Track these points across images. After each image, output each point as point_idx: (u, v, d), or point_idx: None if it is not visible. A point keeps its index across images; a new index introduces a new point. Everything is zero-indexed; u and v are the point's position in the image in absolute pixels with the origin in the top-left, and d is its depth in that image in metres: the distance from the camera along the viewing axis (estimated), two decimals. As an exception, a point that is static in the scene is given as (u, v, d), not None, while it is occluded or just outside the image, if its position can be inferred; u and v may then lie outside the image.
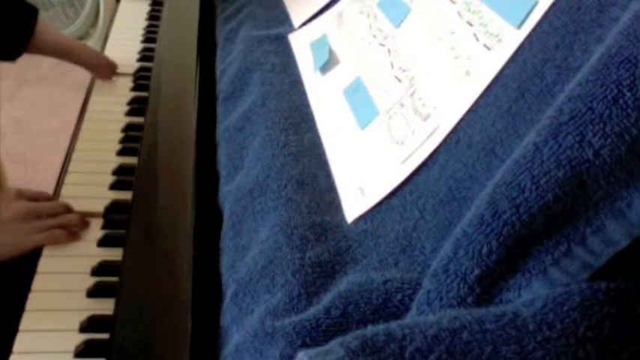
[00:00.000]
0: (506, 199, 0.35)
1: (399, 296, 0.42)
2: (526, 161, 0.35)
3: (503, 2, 0.51)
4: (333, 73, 0.68)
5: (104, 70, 0.91)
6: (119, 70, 0.93)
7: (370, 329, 0.33)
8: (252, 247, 0.53)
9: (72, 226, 0.67)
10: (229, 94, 0.74)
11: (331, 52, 0.71)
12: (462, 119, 0.48)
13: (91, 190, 0.72)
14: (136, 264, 0.59)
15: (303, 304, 0.45)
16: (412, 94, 0.55)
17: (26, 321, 0.57)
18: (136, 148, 0.76)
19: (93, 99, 0.88)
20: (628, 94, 0.32)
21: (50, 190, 0.74)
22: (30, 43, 0.80)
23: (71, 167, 0.76)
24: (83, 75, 0.92)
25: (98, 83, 0.92)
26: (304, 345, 0.41)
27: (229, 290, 0.51)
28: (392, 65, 0.60)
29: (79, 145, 0.80)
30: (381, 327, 0.33)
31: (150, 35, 1.04)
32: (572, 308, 0.32)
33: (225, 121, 0.71)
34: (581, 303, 0.32)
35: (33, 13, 0.82)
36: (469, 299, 0.36)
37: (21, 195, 0.69)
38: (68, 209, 0.69)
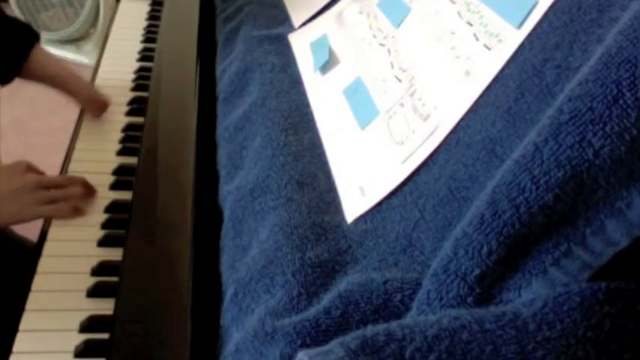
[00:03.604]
0: (506, 199, 0.35)
1: (399, 296, 0.42)
2: (526, 161, 0.35)
3: (503, 2, 0.51)
4: (333, 73, 0.68)
5: (95, 105, 0.84)
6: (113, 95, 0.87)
7: (370, 329, 0.33)
8: (252, 247, 0.53)
9: (79, 197, 0.69)
10: (229, 94, 0.74)
11: (331, 52, 0.71)
12: (462, 119, 0.48)
13: (91, 190, 0.72)
14: (136, 264, 0.59)
15: (303, 304, 0.45)
16: (412, 94, 0.55)
17: (26, 321, 0.57)
18: (136, 148, 0.76)
19: (93, 99, 0.88)
20: (628, 94, 0.32)
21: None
22: (23, 68, 0.79)
23: (71, 167, 0.76)
24: (83, 75, 0.92)
25: (98, 80, 0.92)
26: (304, 345, 0.41)
27: (229, 290, 0.51)
28: (392, 65, 0.60)
29: (79, 145, 0.80)
30: (381, 327, 0.33)
31: (150, 35, 1.04)
32: (572, 308, 0.32)
33: (225, 121, 0.71)
34: (581, 303, 0.32)
35: (31, 38, 0.80)
36: (469, 299, 0.36)
37: (31, 168, 0.71)
38: (76, 182, 0.70)
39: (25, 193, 0.67)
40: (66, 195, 0.68)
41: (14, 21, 0.81)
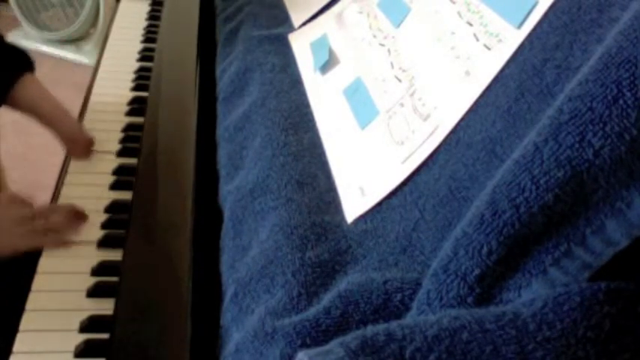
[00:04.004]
0: (506, 199, 0.35)
1: (399, 296, 0.42)
2: (526, 161, 0.35)
3: (503, 2, 0.51)
4: (333, 73, 0.68)
5: (80, 147, 0.77)
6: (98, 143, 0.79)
7: (370, 329, 0.33)
8: (252, 247, 0.53)
9: (66, 226, 0.65)
10: (229, 94, 0.74)
11: (331, 52, 0.71)
12: (462, 119, 0.48)
13: (91, 190, 0.72)
14: (136, 264, 0.59)
15: (303, 304, 0.45)
16: (412, 94, 0.55)
17: (26, 321, 0.57)
18: (136, 148, 0.76)
19: (93, 99, 0.88)
20: (628, 94, 0.32)
21: (50, 190, 0.74)
22: (8, 97, 0.75)
23: (71, 167, 0.76)
24: (83, 75, 0.92)
25: (98, 80, 0.92)
26: (304, 345, 0.41)
27: (229, 290, 0.51)
28: (392, 65, 0.60)
29: (79, 144, 0.79)
30: (381, 327, 0.33)
31: (150, 35, 1.04)
32: (572, 308, 0.32)
33: (225, 121, 0.71)
34: (581, 303, 0.32)
35: (22, 67, 0.76)
36: (469, 299, 0.36)
37: (14, 199, 0.66)
38: (62, 211, 0.67)
39: (8, 225, 0.63)
40: (51, 226, 0.64)
41: (8, 47, 0.77)
